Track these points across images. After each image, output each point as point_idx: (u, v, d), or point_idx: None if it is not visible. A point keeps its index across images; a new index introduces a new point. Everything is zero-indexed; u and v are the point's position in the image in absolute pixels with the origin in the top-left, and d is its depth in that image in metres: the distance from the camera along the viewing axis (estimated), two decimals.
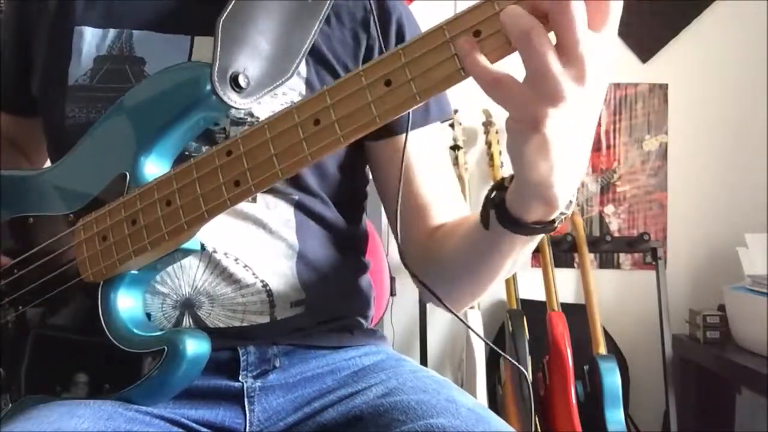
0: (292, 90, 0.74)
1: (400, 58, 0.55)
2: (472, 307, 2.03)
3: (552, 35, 0.51)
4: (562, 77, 0.50)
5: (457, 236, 0.74)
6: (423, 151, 0.81)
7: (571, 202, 0.60)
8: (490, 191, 0.63)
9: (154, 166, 0.69)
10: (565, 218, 0.61)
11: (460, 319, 0.71)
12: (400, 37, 0.80)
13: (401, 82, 0.56)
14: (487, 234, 0.65)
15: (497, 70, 0.52)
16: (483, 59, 0.52)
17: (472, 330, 0.80)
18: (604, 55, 0.51)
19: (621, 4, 0.51)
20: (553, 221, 0.60)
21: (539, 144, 0.53)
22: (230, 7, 0.69)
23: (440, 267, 0.74)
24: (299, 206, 0.77)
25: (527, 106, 0.52)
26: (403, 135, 0.73)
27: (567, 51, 0.49)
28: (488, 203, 0.63)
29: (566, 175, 0.56)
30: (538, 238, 0.65)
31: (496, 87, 0.52)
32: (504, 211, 0.61)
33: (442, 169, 0.84)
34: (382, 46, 0.78)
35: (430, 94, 0.56)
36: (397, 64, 0.56)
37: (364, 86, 0.57)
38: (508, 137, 0.56)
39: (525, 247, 0.66)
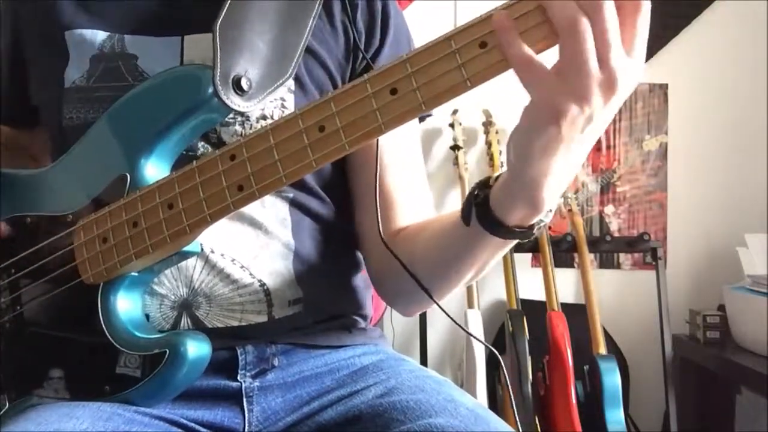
0: (282, 86, 0.74)
1: (406, 67, 0.56)
2: (471, 307, 2.03)
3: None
4: (595, 77, 0.51)
5: (427, 235, 0.75)
6: (394, 149, 0.81)
7: (551, 211, 0.61)
8: (474, 188, 0.63)
9: (154, 168, 0.69)
10: (543, 227, 0.62)
11: (459, 324, 0.71)
12: (385, 18, 0.81)
13: (407, 90, 0.56)
14: (462, 233, 0.65)
15: (531, 52, 0.52)
16: (519, 39, 0.52)
17: (469, 333, 0.80)
18: (633, 78, 0.52)
19: (647, 23, 0.52)
20: (532, 227, 0.61)
21: (550, 139, 0.53)
22: (225, 9, 0.69)
23: (396, 270, 0.73)
24: (294, 204, 0.77)
25: (554, 95, 0.52)
26: None
27: (600, 54, 0.50)
28: (471, 199, 0.63)
29: (558, 181, 0.57)
30: (509, 245, 0.66)
31: (528, 68, 0.52)
32: (486, 210, 0.61)
33: (411, 169, 0.85)
34: (353, 32, 0.78)
35: (436, 104, 0.56)
36: (403, 73, 0.56)
37: (369, 94, 0.57)
38: (519, 126, 0.56)
39: (496, 252, 0.67)
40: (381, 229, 0.73)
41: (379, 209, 0.74)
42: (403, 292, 0.80)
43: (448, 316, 0.72)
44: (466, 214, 0.64)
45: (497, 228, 0.61)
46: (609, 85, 0.51)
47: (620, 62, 0.51)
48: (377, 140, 0.72)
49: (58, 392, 0.69)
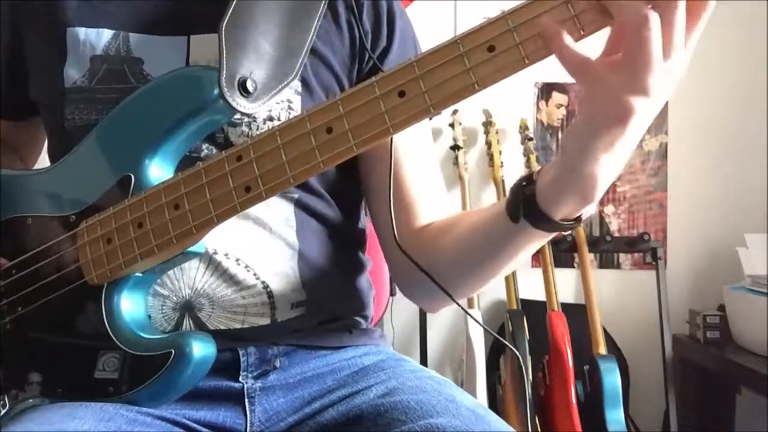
0: (288, 88, 0.74)
1: (414, 69, 0.56)
2: (471, 307, 2.03)
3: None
4: (664, 71, 0.51)
5: (458, 232, 0.74)
6: (409, 148, 0.81)
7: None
8: (520, 184, 0.62)
9: (158, 169, 0.69)
10: (588, 217, 0.61)
11: (465, 310, 0.72)
12: (391, 17, 0.80)
13: (415, 93, 0.56)
14: (504, 229, 0.65)
15: (585, 53, 0.52)
16: (570, 40, 0.52)
17: (472, 317, 0.80)
18: (683, 67, 0.53)
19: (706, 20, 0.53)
20: (579, 218, 0.60)
21: (614, 136, 0.53)
22: (231, 10, 0.69)
23: (432, 264, 0.73)
24: (299, 205, 0.77)
25: (621, 94, 0.51)
26: None
27: (668, 51, 0.51)
28: (519, 195, 0.62)
29: (612, 172, 0.56)
30: (550, 237, 0.65)
31: (582, 70, 0.52)
32: (533, 205, 0.61)
33: (428, 166, 0.84)
34: (359, 32, 0.78)
35: (443, 106, 0.57)
36: (411, 76, 0.56)
37: (377, 96, 0.57)
38: (580, 126, 0.55)
39: (537, 245, 0.66)
40: (396, 229, 0.72)
41: (393, 210, 0.73)
42: (426, 290, 0.78)
43: (470, 316, 0.71)
44: (513, 211, 0.63)
45: (544, 222, 0.61)
46: (672, 77, 0.52)
47: (680, 57, 0.51)
48: (391, 139, 0.72)
49: (61, 393, 0.69)
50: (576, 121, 0.56)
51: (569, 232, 0.61)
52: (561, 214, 0.60)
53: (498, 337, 0.74)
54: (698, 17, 0.52)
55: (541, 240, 0.65)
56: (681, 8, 0.51)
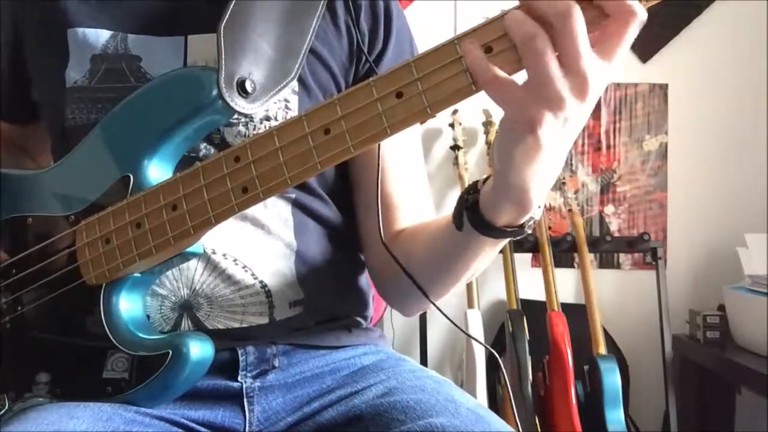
0: (286, 88, 0.74)
1: (411, 70, 0.56)
2: (471, 307, 2.03)
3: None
4: (562, 85, 0.51)
5: (423, 238, 0.76)
6: (396, 151, 0.81)
7: (539, 207, 0.62)
8: (464, 193, 0.65)
9: (156, 170, 0.69)
10: (534, 223, 0.63)
11: (441, 310, 0.73)
12: (388, 19, 0.81)
13: (412, 94, 0.56)
14: (457, 235, 0.66)
15: (499, 70, 0.53)
16: (484, 58, 0.53)
17: (468, 334, 0.81)
18: (607, 78, 0.52)
19: (635, 35, 0.52)
20: (523, 225, 0.62)
21: (530, 147, 0.54)
22: (229, 10, 0.69)
23: (406, 266, 0.74)
24: (297, 204, 0.77)
25: (526, 108, 0.53)
26: None
27: (568, 62, 0.51)
28: (462, 205, 0.64)
29: (543, 181, 0.58)
30: (502, 244, 0.67)
31: (495, 86, 0.53)
32: (476, 214, 0.62)
33: (413, 170, 0.85)
34: (356, 34, 0.78)
35: (441, 107, 0.57)
36: (409, 77, 0.56)
37: (375, 98, 0.57)
38: (499, 137, 0.57)
39: (492, 249, 0.68)
40: (382, 231, 0.73)
41: (380, 211, 0.75)
42: (402, 293, 0.81)
43: (446, 317, 0.73)
44: (457, 219, 0.65)
45: (488, 229, 0.62)
46: (580, 89, 0.52)
47: (591, 66, 0.51)
48: (379, 143, 0.72)
49: (60, 393, 0.69)
50: (496, 135, 0.58)
51: (519, 237, 0.63)
52: (502, 221, 0.62)
53: (490, 348, 0.75)
54: (624, 25, 0.51)
55: (493, 246, 0.67)
56: (573, 19, 0.50)
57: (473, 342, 1.94)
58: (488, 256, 0.70)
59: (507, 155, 0.56)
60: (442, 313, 0.74)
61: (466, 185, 2.03)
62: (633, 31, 0.51)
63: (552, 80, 0.51)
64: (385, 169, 0.80)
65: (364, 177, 0.81)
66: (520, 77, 0.54)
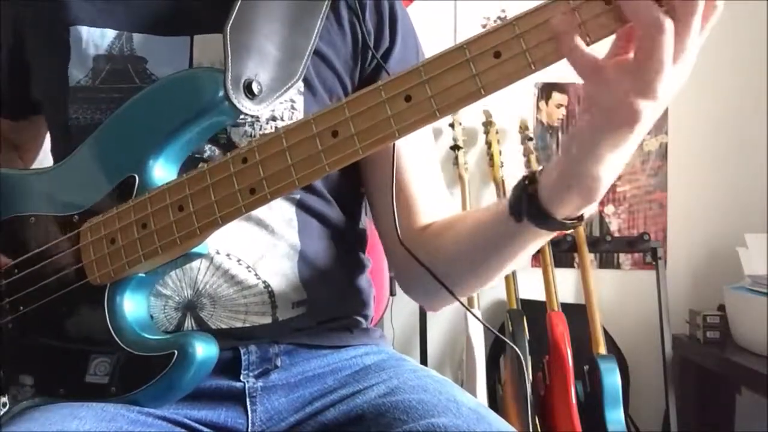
0: (291, 89, 0.74)
1: (420, 74, 0.56)
2: (471, 307, 2.03)
3: None
4: (671, 78, 0.51)
5: (459, 231, 0.75)
6: (411, 149, 0.81)
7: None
8: (523, 184, 0.63)
9: (162, 170, 0.69)
10: (590, 216, 0.62)
11: (465, 306, 0.72)
12: (393, 17, 0.81)
13: (421, 98, 0.57)
14: (506, 228, 0.65)
15: (597, 56, 0.52)
16: (582, 43, 0.52)
17: (473, 314, 0.81)
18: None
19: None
20: (581, 217, 0.61)
21: (622, 137, 0.53)
22: (235, 12, 0.69)
23: (432, 262, 0.74)
24: (301, 205, 0.77)
25: (629, 97, 0.51)
26: None
27: (680, 56, 0.51)
28: (522, 195, 0.62)
29: (615, 172, 0.57)
30: (551, 236, 0.66)
31: (594, 72, 0.52)
32: (536, 204, 0.61)
33: (429, 166, 0.85)
34: (362, 33, 0.78)
35: (449, 111, 0.57)
36: (417, 81, 0.57)
37: (383, 100, 0.58)
38: (589, 125, 0.55)
39: (539, 243, 0.67)
40: (399, 229, 0.73)
41: (397, 209, 0.74)
42: (427, 288, 0.80)
43: (471, 312, 0.72)
44: (516, 209, 0.63)
45: (547, 221, 0.61)
46: (677, 82, 0.52)
47: (689, 61, 0.52)
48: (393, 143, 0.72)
49: (63, 393, 0.69)
50: (581, 123, 0.56)
51: (570, 231, 0.62)
52: (563, 214, 0.60)
53: (497, 333, 0.75)
54: (705, 21, 0.52)
55: (542, 239, 0.66)
56: (698, 14, 0.50)
57: (473, 342, 1.94)
58: (535, 248, 0.68)
59: (591, 144, 0.55)
60: (468, 309, 0.74)
61: (467, 185, 2.04)
62: (712, 23, 0.52)
63: (667, 71, 0.50)
64: (402, 167, 0.79)
65: (380, 174, 0.80)
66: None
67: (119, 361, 0.67)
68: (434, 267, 0.73)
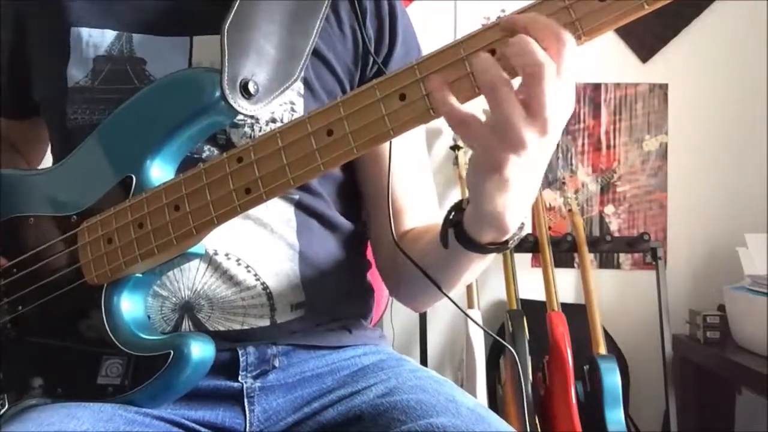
0: (291, 90, 0.74)
1: (415, 72, 0.56)
2: (471, 307, 2.03)
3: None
4: (527, 129, 0.52)
5: (420, 245, 0.77)
6: (402, 153, 0.81)
7: (522, 224, 0.63)
8: (449, 212, 0.66)
9: (159, 170, 0.69)
10: (518, 238, 0.64)
11: (459, 306, 0.72)
12: (393, 20, 0.81)
13: (416, 97, 0.56)
14: (445, 251, 0.68)
15: (465, 110, 0.54)
16: (452, 98, 0.54)
17: (472, 319, 0.81)
18: (568, 110, 0.53)
19: (573, 52, 0.51)
20: (506, 242, 0.64)
21: (498, 183, 0.56)
22: (233, 12, 0.69)
23: (406, 268, 0.75)
24: (300, 205, 0.77)
25: (491, 150, 0.54)
26: None
27: (534, 107, 0.51)
28: (447, 223, 0.66)
29: (517, 207, 0.59)
30: (490, 257, 0.69)
31: (462, 126, 0.54)
32: (461, 232, 0.64)
33: (418, 172, 0.86)
34: (363, 38, 0.79)
35: None
36: (412, 79, 0.57)
37: (378, 99, 0.58)
38: (469, 171, 0.59)
39: (482, 261, 0.69)
40: (382, 230, 0.74)
41: (383, 212, 0.76)
42: (413, 291, 0.83)
43: (472, 319, 0.72)
44: (443, 237, 0.67)
45: (473, 246, 0.64)
46: (543, 129, 0.52)
47: (554, 107, 0.51)
48: (389, 143, 0.72)
49: (61, 394, 0.69)
50: (468, 167, 0.59)
51: (505, 251, 0.65)
52: (486, 240, 0.63)
53: (496, 337, 0.75)
54: (559, 53, 0.51)
55: (481, 259, 0.68)
56: (541, 67, 0.50)
57: (473, 342, 1.94)
58: (479, 266, 0.71)
59: (478, 189, 0.58)
60: (458, 306, 0.75)
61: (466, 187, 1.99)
62: (570, 49, 0.51)
63: (517, 128, 0.52)
64: (391, 171, 0.80)
65: (372, 179, 0.82)
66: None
67: (130, 362, 0.67)
68: (406, 272, 0.75)
